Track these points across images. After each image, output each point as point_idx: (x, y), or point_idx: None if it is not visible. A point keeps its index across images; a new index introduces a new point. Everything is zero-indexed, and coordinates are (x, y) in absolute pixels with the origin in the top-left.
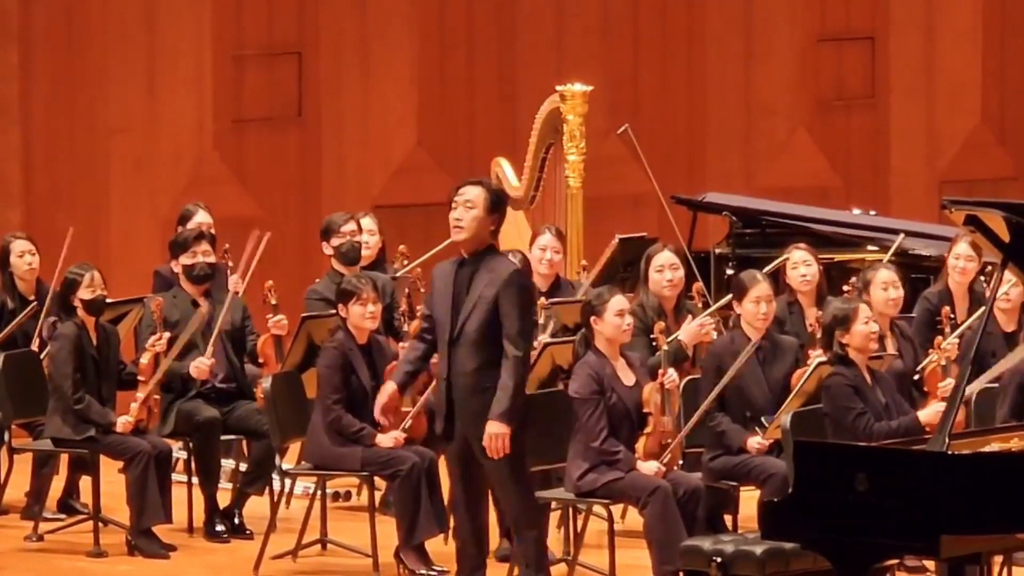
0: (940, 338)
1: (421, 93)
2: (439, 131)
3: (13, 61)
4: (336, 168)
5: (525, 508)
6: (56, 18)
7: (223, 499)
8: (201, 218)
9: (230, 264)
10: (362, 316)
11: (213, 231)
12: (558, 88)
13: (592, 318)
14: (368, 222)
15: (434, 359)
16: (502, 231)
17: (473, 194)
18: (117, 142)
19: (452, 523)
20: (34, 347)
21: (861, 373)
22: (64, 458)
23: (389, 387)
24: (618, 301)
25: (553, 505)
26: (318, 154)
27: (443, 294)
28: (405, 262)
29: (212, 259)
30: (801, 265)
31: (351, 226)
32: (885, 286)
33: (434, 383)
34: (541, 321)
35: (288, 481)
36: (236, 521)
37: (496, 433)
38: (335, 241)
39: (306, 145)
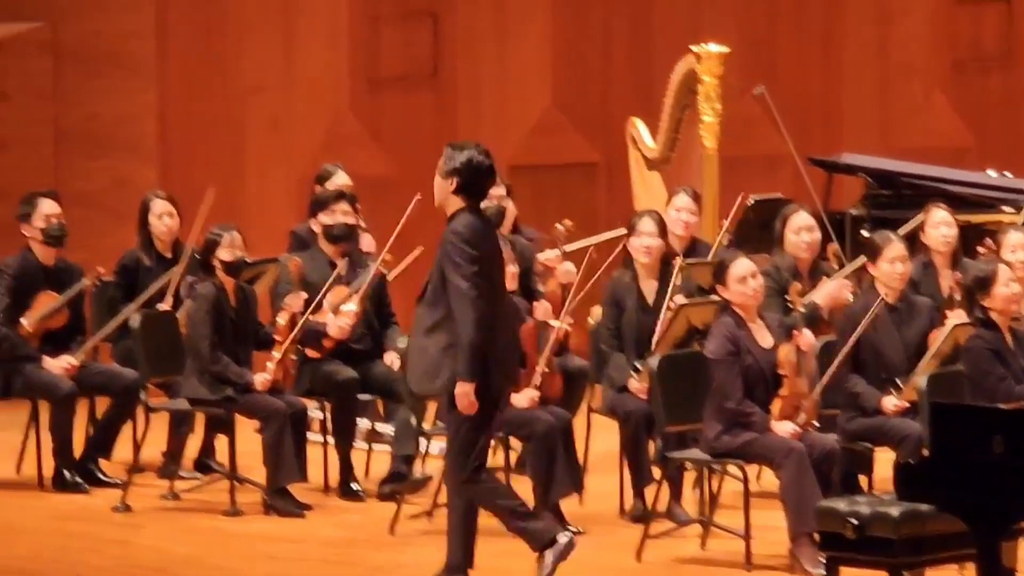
0: None
1: (556, 53)
2: (574, 91)
3: (149, 20)
4: (470, 128)
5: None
6: None
7: (358, 460)
8: (341, 179)
9: (363, 224)
10: None
11: (353, 192)
12: (693, 48)
13: (718, 287)
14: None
15: None
16: (637, 192)
17: (440, 161)
18: (253, 101)
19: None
20: (165, 306)
21: (1003, 336)
22: (200, 417)
23: None
24: (739, 267)
25: (688, 466)
26: (453, 114)
27: None
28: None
29: (352, 220)
30: (943, 225)
31: (498, 190)
32: (1014, 249)
33: (556, 338)
34: (678, 283)
35: (424, 441)
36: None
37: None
38: None
39: (441, 105)
